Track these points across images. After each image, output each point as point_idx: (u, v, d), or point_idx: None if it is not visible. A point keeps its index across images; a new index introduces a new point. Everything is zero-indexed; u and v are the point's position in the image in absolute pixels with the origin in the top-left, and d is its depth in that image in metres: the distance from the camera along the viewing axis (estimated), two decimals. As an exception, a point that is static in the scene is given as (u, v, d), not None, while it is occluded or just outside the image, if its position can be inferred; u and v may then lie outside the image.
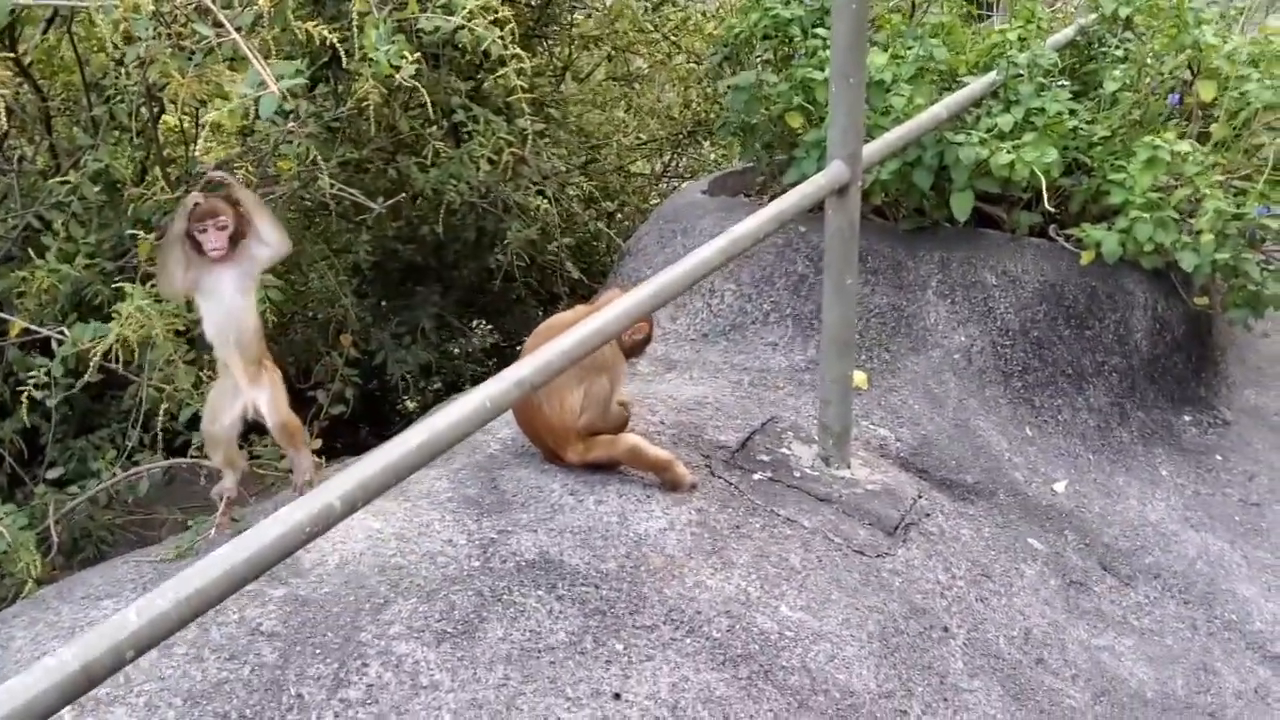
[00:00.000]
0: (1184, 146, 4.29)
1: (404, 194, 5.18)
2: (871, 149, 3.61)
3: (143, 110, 4.49)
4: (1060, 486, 4.24)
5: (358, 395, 5.41)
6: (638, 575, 3.11)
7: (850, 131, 3.37)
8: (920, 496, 3.82)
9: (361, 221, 5.25)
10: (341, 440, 5.31)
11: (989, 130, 4.43)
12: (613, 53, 6.76)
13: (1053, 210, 4.75)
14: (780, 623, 3.10)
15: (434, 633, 2.79)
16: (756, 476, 3.65)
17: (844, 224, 3.47)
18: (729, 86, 4.96)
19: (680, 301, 4.92)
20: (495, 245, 5.68)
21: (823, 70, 4.67)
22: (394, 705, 2.62)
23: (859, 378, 4.40)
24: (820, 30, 4.84)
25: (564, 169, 5.71)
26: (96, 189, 4.41)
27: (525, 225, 5.54)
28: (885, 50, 4.74)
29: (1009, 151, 4.28)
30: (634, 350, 3.54)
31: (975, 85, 4.43)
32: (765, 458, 3.76)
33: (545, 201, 5.40)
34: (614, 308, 2.71)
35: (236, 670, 2.67)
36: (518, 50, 3.69)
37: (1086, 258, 4.51)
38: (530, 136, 5.23)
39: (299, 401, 4.34)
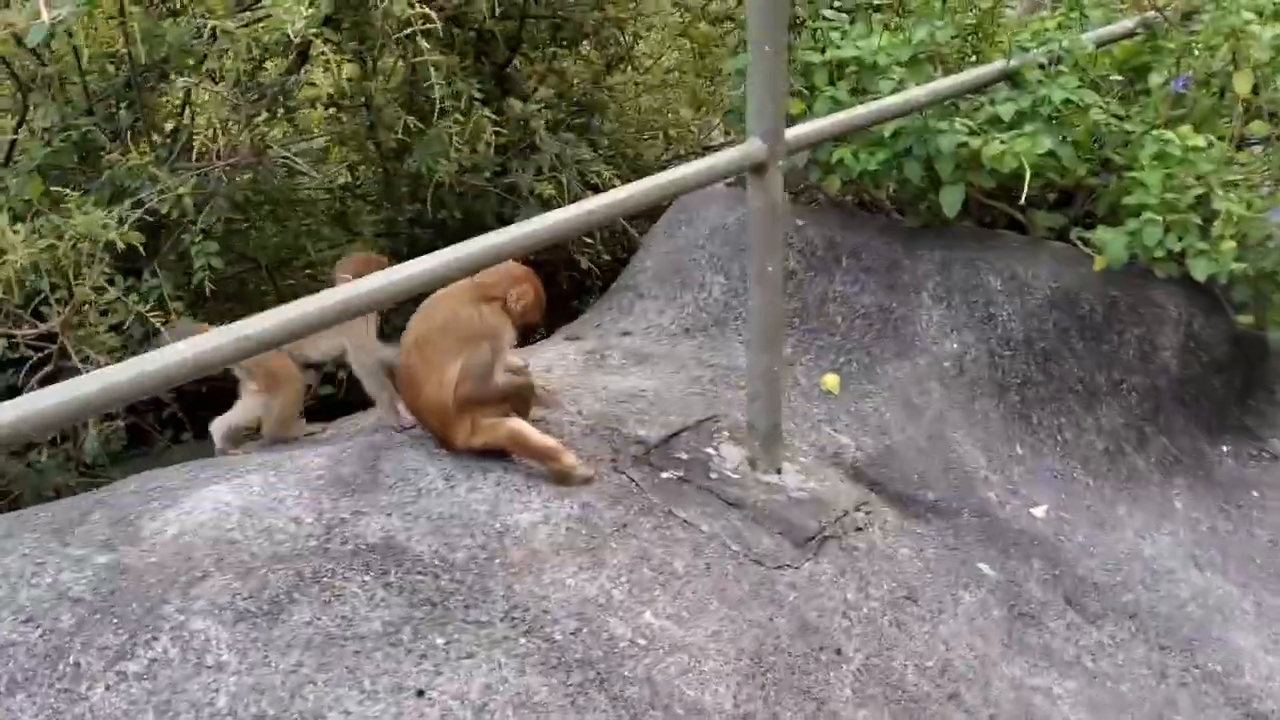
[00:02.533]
0: (1196, 140, 3.84)
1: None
2: (806, 130, 3.33)
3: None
4: (1040, 511, 3.85)
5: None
6: (489, 568, 2.90)
7: (768, 105, 3.10)
8: (859, 509, 3.49)
9: (367, 199, 5.19)
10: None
11: (988, 119, 4.06)
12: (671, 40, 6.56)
13: (1081, 213, 4.35)
14: (637, 630, 2.85)
15: (236, 611, 2.64)
16: (665, 475, 3.39)
17: (763, 206, 3.19)
18: (731, 70, 4.71)
19: (670, 295, 4.69)
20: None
21: (823, 51, 4.39)
22: (171, 683, 2.48)
23: (830, 381, 4.09)
24: (828, 12, 4.54)
25: (588, 157, 5.50)
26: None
27: (540, 212, 5.38)
28: (887, 31, 4.40)
29: (1002, 141, 3.91)
30: (525, 316, 3.30)
31: (973, 72, 4.07)
32: (684, 456, 3.50)
33: (551, 188, 5.22)
34: (413, 265, 2.52)
35: (27, 634, 2.56)
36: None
37: (1098, 263, 4.09)
38: (539, 120, 5.10)
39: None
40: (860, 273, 4.40)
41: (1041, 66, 4.16)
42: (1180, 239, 3.87)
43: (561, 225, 2.77)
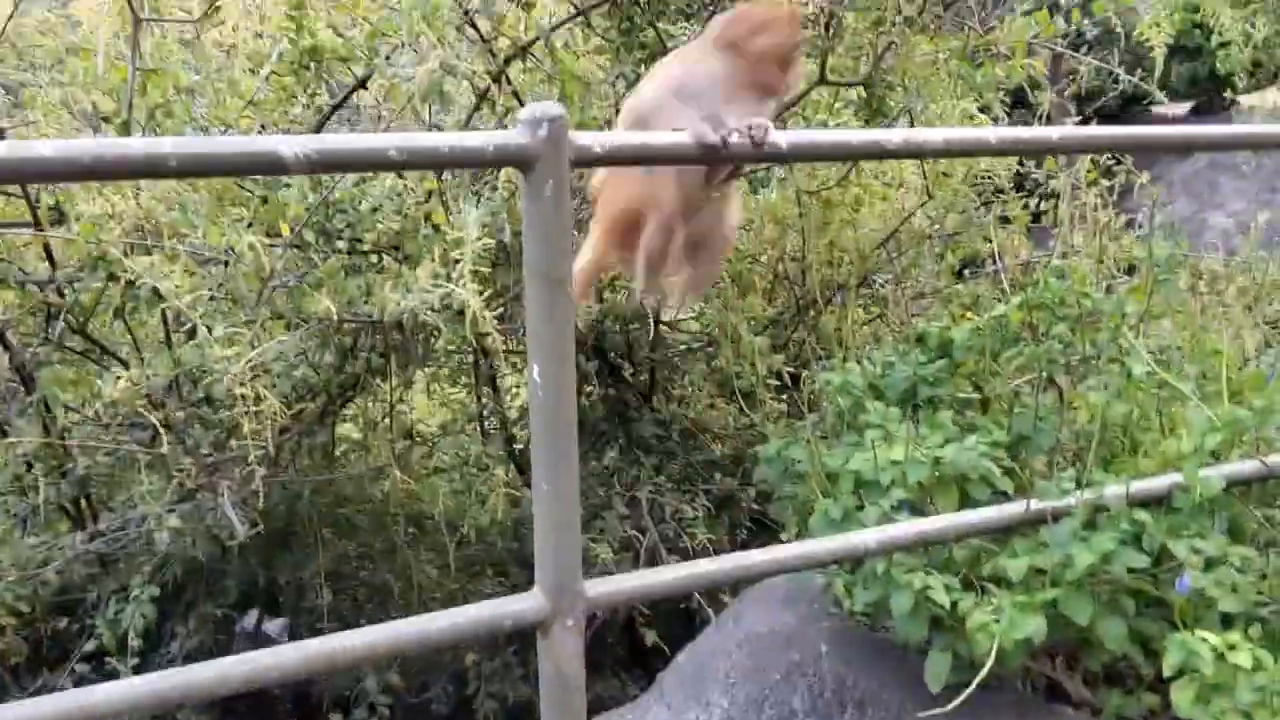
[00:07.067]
0: (1242, 659, 2.84)
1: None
2: (609, 587, 2.62)
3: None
4: None
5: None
6: None
7: (553, 551, 2.52)
8: None
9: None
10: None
11: (994, 580, 3.25)
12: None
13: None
14: None
15: None
16: None
17: (551, 673, 2.60)
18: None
19: (679, 707, 4.05)
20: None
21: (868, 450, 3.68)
22: None
23: None
24: (875, 406, 3.88)
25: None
26: None
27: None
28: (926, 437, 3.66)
29: (991, 612, 3.09)
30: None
31: (969, 515, 3.19)
32: None
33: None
34: None
35: None
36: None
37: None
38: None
39: None
40: (853, 728, 3.61)
41: (1101, 510, 3.24)
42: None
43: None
